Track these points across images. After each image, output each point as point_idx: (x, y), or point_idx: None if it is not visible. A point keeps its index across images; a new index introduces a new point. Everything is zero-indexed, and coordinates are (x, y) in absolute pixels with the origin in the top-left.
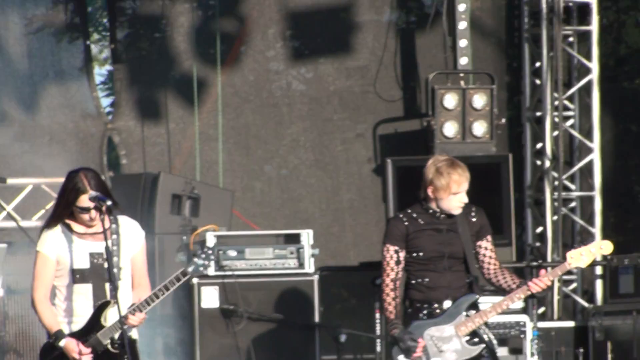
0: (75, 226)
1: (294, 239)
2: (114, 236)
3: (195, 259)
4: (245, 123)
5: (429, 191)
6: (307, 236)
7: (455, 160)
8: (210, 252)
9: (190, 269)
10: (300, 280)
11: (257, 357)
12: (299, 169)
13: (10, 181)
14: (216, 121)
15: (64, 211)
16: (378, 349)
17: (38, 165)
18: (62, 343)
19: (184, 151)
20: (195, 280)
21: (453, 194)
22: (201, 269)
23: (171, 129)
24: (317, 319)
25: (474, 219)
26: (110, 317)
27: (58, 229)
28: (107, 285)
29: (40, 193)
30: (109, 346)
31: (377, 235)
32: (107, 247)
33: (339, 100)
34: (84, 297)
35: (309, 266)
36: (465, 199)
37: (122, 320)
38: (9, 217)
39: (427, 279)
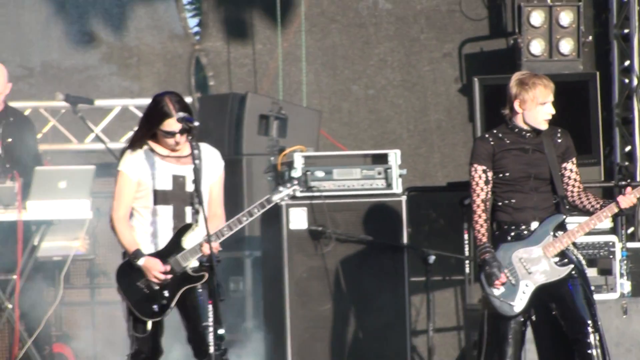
0: (159, 148)
1: (382, 160)
2: (196, 161)
3: (281, 187)
4: (332, 43)
5: (516, 104)
6: (394, 156)
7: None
8: (296, 181)
9: (275, 197)
10: (388, 201)
11: (345, 278)
12: (386, 90)
13: (98, 103)
14: (301, 41)
15: (148, 133)
16: (467, 270)
17: (126, 87)
18: (140, 262)
19: (270, 72)
20: (283, 202)
21: (540, 104)
22: (286, 197)
23: (258, 49)
24: (405, 240)
25: (559, 140)
26: (190, 240)
27: (141, 150)
28: (188, 209)
29: (128, 114)
30: (188, 269)
31: (465, 156)
32: (195, 168)
33: (426, 20)
34: (164, 219)
35: (397, 186)
36: (552, 110)
37: (208, 242)
38: (97, 139)
39: (513, 200)
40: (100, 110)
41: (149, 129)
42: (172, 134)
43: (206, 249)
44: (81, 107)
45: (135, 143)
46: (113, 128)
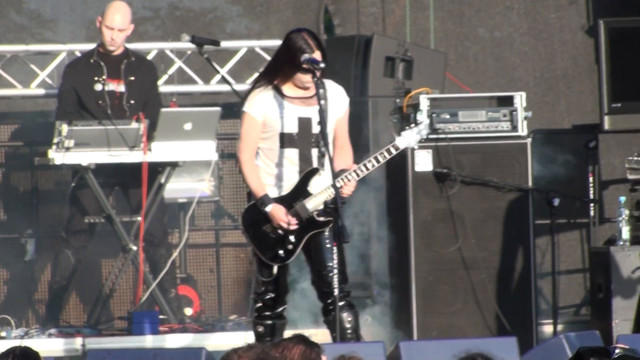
0: (286, 89)
1: (507, 102)
2: (322, 101)
3: (408, 132)
4: None
5: None
6: (520, 98)
7: None
8: (423, 127)
9: (401, 145)
10: (513, 143)
11: (470, 221)
12: (512, 37)
13: (224, 44)
14: None
15: (281, 73)
16: (591, 212)
17: (252, 29)
18: (268, 208)
19: (396, 19)
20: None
21: None
22: (412, 143)
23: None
24: (530, 182)
25: None
26: (316, 185)
27: (266, 91)
28: (314, 151)
29: (254, 56)
30: (314, 214)
31: (591, 104)
32: (321, 109)
33: None
34: (289, 162)
35: (522, 129)
36: None
37: (334, 184)
38: (223, 80)
39: None
40: (226, 51)
41: (285, 66)
42: (310, 70)
43: (345, 190)
44: (207, 48)
45: (263, 82)
46: (239, 69)
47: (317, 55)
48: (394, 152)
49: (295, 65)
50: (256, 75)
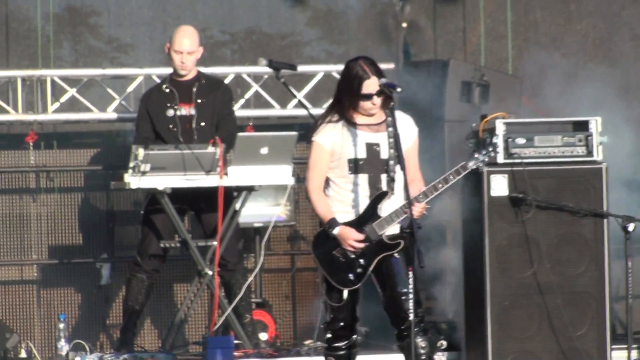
0: (351, 116)
1: (582, 127)
2: (390, 129)
3: (477, 154)
4: (534, 19)
5: None
6: (595, 123)
7: None
8: (491, 148)
9: (470, 164)
10: (588, 168)
11: (546, 245)
12: (588, 66)
13: (301, 68)
14: (505, 17)
15: (345, 101)
16: None
17: (330, 52)
18: (335, 231)
19: (472, 48)
20: (484, 168)
21: None
22: (481, 164)
23: (461, 26)
24: (605, 207)
25: None
26: (386, 208)
27: (334, 119)
28: (383, 176)
29: (331, 80)
30: (384, 237)
31: None
32: (395, 133)
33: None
34: (359, 188)
35: (598, 154)
36: None
37: (405, 209)
38: (300, 104)
39: None
40: (303, 75)
41: (345, 95)
42: (369, 97)
43: (413, 211)
44: (284, 72)
45: (330, 112)
46: (316, 93)
47: (374, 82)
48: (462, 172)
49: (355, 92)
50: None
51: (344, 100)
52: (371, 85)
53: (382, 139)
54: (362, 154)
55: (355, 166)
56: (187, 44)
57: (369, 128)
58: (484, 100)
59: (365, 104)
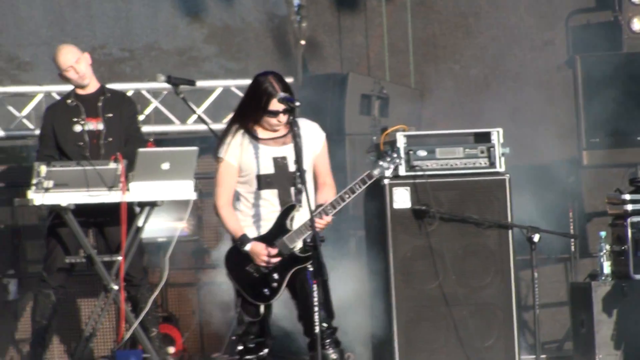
0: (256, 131)
1: (484, 139)
2: (297, 139)
3: (381, 162)
4: (433, 33)
5: None
6: (497, 135)
7: None
8: (395, 155)
9: (375, 172)
10: (491, 180)
11: (450, 257)
12: (488, 78)
13: (200, 83)
14: (406, 32)
15: (250, 116)
16: (572, 248)
17: (229, 68)
18: (247, 247)
19: (372, 62)
20: (386, 181)
21: None
22: (387, 172)
23: (358, 40)
24: (509, 218)
25: None
26: (296, 221)
27: (239, 135)
28: (293, 190)
29: (230, 95)
30: (296, 250)
31: (570, 141)
32: (297, 148)
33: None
34: (269, 203)
35: (500, 165)
36: None
37: (312, 222)
38: (200, 120)
39: None
40: (202, 91)
41: (252, 110)
42: (276, 114)
43: (319, 224)
44: (183, 88)
45: (233, 128)
46: (215, 109)
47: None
48: (368, 181)
49: (262, 108)
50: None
51: (249, 114)
52: (278, 102)
53: (288, 152)
54: (269, 169)
55: (264, 182)
56: (70, 58)
57: (274, 142)
58: (384, 114)
59: (272, 120)
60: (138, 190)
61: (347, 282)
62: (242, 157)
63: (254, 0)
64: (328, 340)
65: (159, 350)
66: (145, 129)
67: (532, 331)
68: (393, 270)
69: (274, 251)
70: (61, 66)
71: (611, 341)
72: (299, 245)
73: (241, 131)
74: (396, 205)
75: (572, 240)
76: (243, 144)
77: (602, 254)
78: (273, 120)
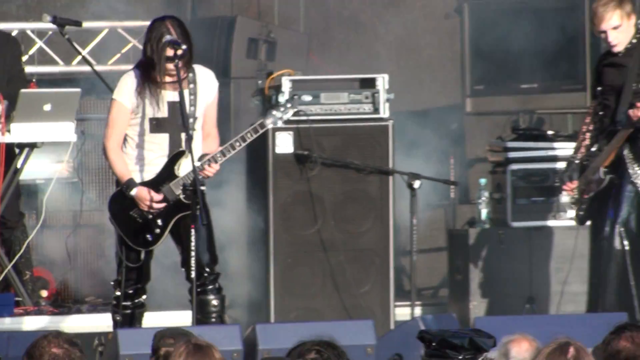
0: (155, 75)
1: (370, 84)
2: (191, 85)
3: (274, 111)
4: None
5: None
6: (382, 80)
7: None
8: (289, 104)
9: (268, 121)
10: (375, 126)
11: (330, 203)
12: (376, 25)
13: (86, 24)
14: None
15: (148, 59)
16: (451, 194)
17: (116, 9)
18: (133, 192)
19: (262, 7)
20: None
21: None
22: (279, 121)
23: None
24: (391, 164)
25: None
26: (183, 167)
27: (136, 77)
28: (183, 135)
29: (117, 36)
30: (181, 196)
31: (455, 89)
32: (181, 95)
33: None
34: (158, 147)
35: (384, 111)
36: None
37: (196, 169)
38: (84, 61)
39: None
40: (87, 32)
41: (148, 53)
42: (172, 59)
43: (207, 172)
44: (69, 29)
45: (134, 69)
46: (101, 50)
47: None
48: (260, 130)
49: (155, 52)
50: (118, 56)
51: (146, 58)
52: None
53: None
54: (163, 112)
55: (157, 125)
56: None
57: (171, 86)
58: (271, 58)
59: (168, 66)
60: (18, 132)
61: (227, 225)
62: (137, 99)
63: None
64: (210, 287)
65: (31, 294)
66: (28, 69)
67: (409, 277)
68: (272, 215)
69: (159, 197)
70: None
71: (480, 289)
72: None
73: (138, 74)
74: (278, 150)
75: (452, 186)
76: (138, 86)
77: (480, 200)
78: (168, 65)
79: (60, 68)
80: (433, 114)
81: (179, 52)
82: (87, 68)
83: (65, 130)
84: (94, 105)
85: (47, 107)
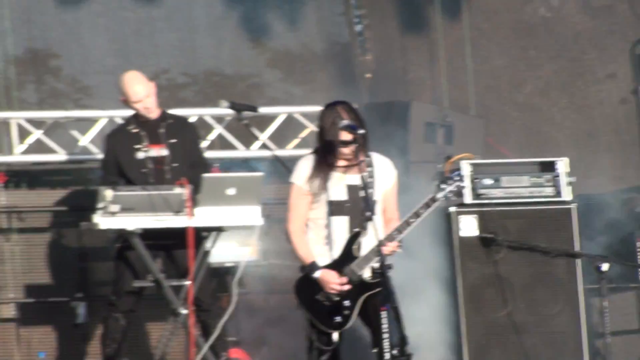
0: (332, 159)
1: (549, 168)
2: (369, 169)
3: (444, 185)
4: (496, 65)
5: None
6: (563, 164)
7: None
8: (457, 178)
9: (439, 195)
10: (558, 209)
11: (519, 285)
12: (552, 111)
13: (262, 110)
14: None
15: (324, 144)
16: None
17: (292, 93)
18: (317, 274)
19: (430, 87)
20: (453, 209)
21: None
22: (450, 195)
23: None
24: (576, 247)
25: None
26: (363, 247)
27: (313, 161)
28: (362, 217)
29: (294, 121)
30: (364, 276)
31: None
32: (363, 176)
33: (587, 41)
34: (340, 230)
35: (566, 194)
36: None
37: (379, 249)
38: (264, 146)
39: None
40: (265, 117)
41: (323, 138)
42: (347, 143)
43: (385, 250)
44: (246, 114)
45: (310, 154)
46: (280, 135)
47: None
48: (432, 205)
49: (333, 137)
50: (297, 140)
51: (322, 143)
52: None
53: (361, 181)
54: (342, 195)
55: (336, 208)
56: (141, 90)
57: (348, 170)
58: (449, 142)
59: (344, 150)
60: (203, 216)
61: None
62: (314, 182)
63: (316, 25)
64: None
65: None
66: (210, 154)
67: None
68: (462, 298)
69: (343, 279)
70: (131, 97)
71: None
72: (367, 272)
73: (316, 157)
74: (463, 233)
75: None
76: (316, 170)
77: None
78: (346, 150)
79: (240, 153)
80: (614, 196)
81: (356, 136)
82: (267, 152)
83: (250, 214)
84: (277, 189)
85: (230, 191)
